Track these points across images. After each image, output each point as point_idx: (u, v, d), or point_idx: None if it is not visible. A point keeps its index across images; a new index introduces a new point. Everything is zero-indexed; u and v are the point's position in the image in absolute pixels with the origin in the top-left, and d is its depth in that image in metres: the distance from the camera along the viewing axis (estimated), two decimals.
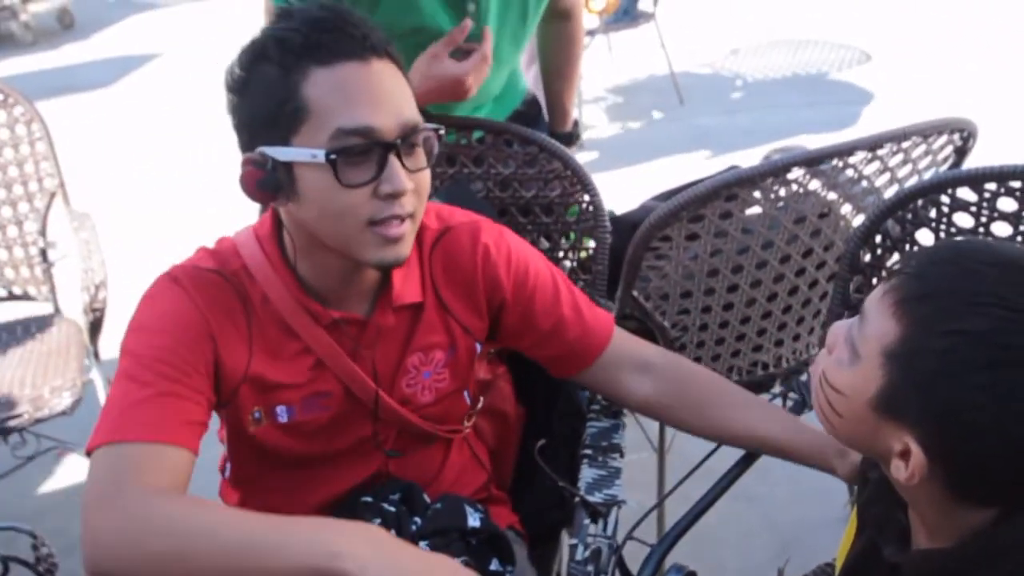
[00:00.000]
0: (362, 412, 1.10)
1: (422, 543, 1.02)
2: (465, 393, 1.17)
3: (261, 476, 1.13)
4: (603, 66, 4.80)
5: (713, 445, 1.19)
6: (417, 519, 1.05)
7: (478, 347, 1.15)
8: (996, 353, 0.65)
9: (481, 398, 1.25)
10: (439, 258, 1.11)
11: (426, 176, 0.99)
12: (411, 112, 0.96)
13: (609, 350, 1.17)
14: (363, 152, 0.93)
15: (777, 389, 1.58)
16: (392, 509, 1.03)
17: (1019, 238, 1.15)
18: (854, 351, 0.74)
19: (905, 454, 0.71)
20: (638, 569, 1.09)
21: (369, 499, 1.05)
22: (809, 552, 1.31)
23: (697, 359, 1.61)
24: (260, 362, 1.03)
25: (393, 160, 0.94)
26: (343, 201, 0.94)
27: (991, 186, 1.15)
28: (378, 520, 1.02)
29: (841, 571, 0.94)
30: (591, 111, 4.50)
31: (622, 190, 2.61)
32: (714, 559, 1.94)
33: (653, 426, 1.85)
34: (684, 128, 4.25)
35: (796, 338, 1.64)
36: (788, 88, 4.64)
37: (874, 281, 1.23)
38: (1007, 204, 1.14)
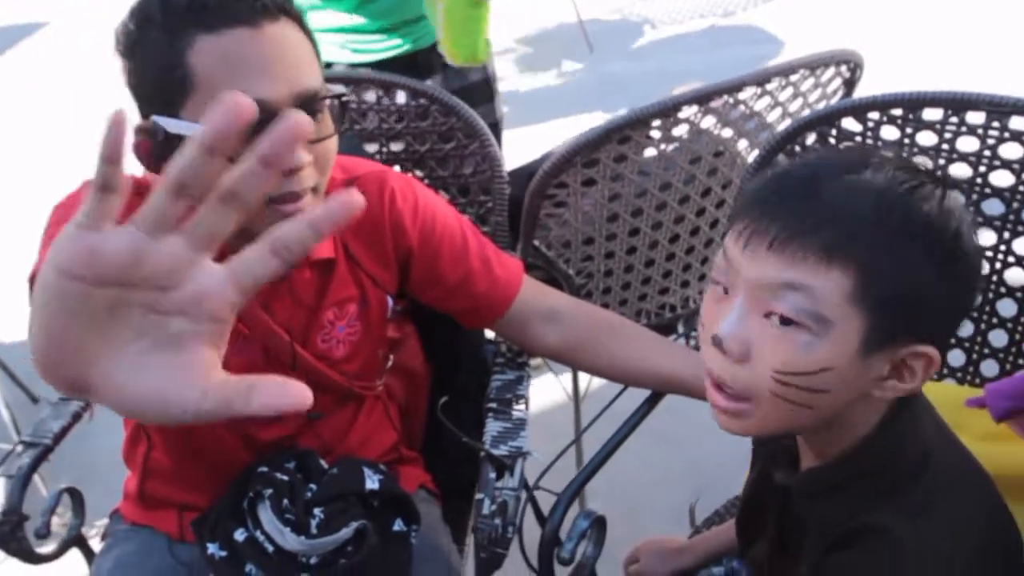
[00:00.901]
0: (279, 368, 1.07)
1: (316, 510, 1.00)
2: (382, 347, 1.16)
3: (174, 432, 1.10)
4: (511, 17, 4.74)
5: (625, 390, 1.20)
6: (312, 486, 1.03)
7: (389, 300, 1.13)
8: (931, 235, 0.67)
9: (391, 356, 1.23)
10: None
11: (330, 145, 0.95)
12: (310, 78, 0.91)
13: (518, 301, 1.16)
14: (257, 125, 0.88)
15: (682, 330, 1.59)
16: (285, 478, 1.01)
17: None
18: (818, 321, 0.67)
19: (901, 367, 0.70)
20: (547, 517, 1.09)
21: (264, 469, 1.03)
22: (726, 491, 1.33)
23: (605, 305, 1.61)
24: None
25: None
26: None
27: (874, 115, 1.16)
28: (270, 490, 0.99)
29: (740, 502, 0.96)
30: (500, 63, 4.44)
31: (535, 142, 2.59)
32: (634, 502, 1.96)
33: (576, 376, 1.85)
34: (595, 76, 4.23)
35: (702, 278, 1.66)
36: (697, 31, 4.65)
37: None
38: (890, 132, 1.15)
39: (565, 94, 4.05)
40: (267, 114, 0.87)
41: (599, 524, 1.11)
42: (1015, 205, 1.09)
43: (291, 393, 0.45)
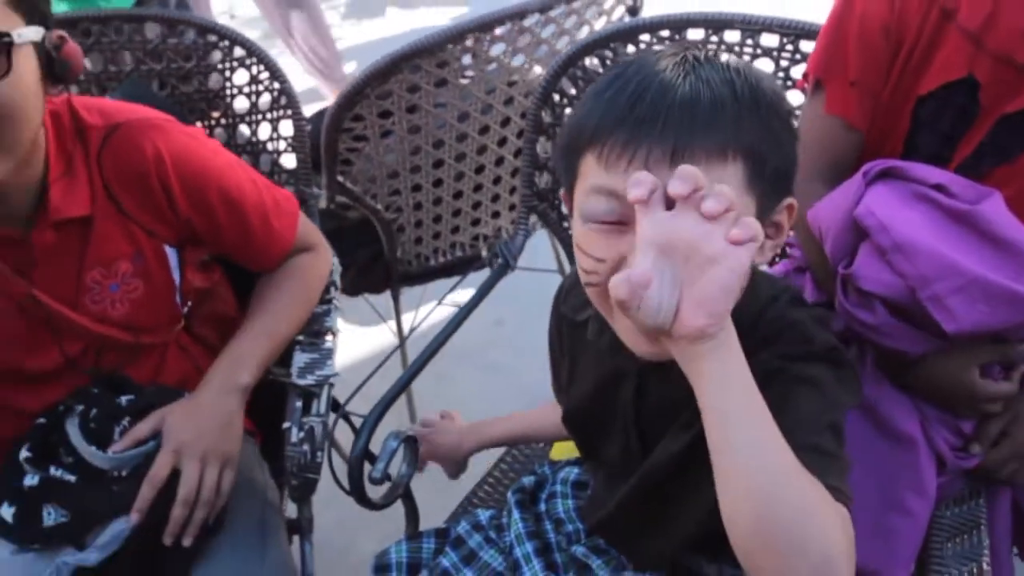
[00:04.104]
0: (44, 331, 1.04)
1: (125, 420, 1.00)
2: (176, 298, 1.13)
3: None
4: None
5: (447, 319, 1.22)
6: (125, 398, 1.03)
7: (169, 250, 1.10)
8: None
9: (189, 303, 1.20)
10: (109, 160, 1.03)
11: (3, 92, 0.86)
12: None
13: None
14: None
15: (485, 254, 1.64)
16: (95, 391, 1.02)
17: None
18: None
19: (774, 227, 0.74)
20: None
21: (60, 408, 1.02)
22: None
23: (418, 239, 1.65)
24: None
25: None
26: None
27: (645, 37, 1.23)
28: (81, 406, 1.00)
29: (576, 413, 0.96)
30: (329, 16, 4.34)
31: None
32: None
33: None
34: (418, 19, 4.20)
35: (512, 207, 1.71)
36: None
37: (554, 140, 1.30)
38: None
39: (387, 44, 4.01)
40: None
41: (410, 443, 1.14)
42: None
43: None
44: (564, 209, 1.30)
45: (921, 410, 0.91)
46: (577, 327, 0.91)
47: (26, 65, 0.89)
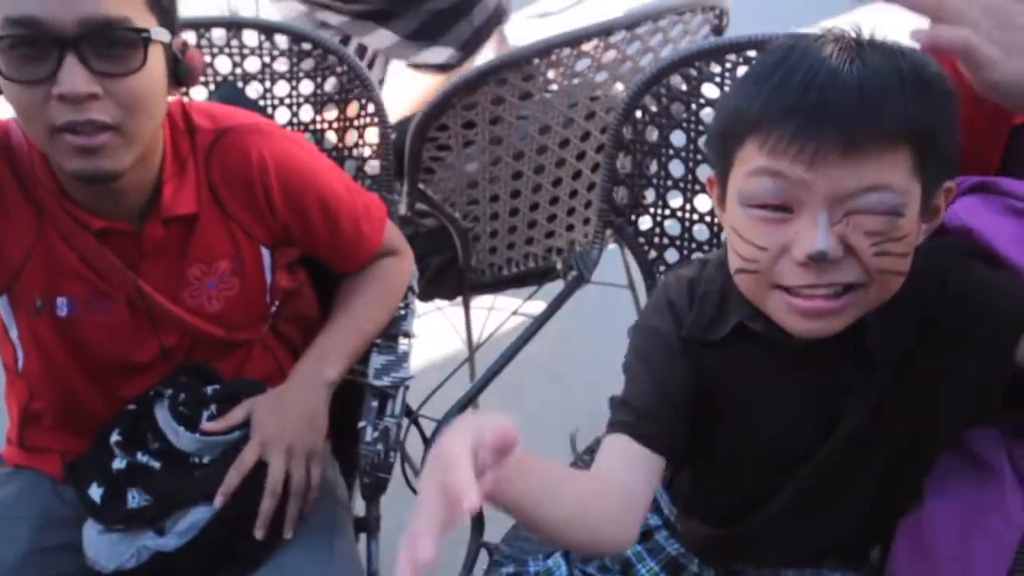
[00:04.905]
0: (146, 322, 1.08)
1: (213, 406, 1.04)
2: (267, 297, 1.17)
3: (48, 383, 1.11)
4: None
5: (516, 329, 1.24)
6: (211, 387, 1.07)
7: (264, 251, 1.14)
8: None
9: (276, 303, 1.24)
10: (216, 162, 1.08)
11: (134, 84, 0.91)
12: (102, 5, 0.87)
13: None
14: (30, 45, 0.87)
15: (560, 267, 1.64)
16: (185, 379, 1.06)
17: None
18: (898, 209, 0.71)
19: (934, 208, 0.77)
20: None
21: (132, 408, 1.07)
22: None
23: (493, 249, 1.67)
24: (48, 243, 1.01)
25: (70, 59, 0.87)
26: (19, 99, 0.89)
27: (732, 57, 1.23)
28: (170, 390, 1.04)
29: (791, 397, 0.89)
30: None
31: None
32: (534, 436, 2.03)
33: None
34: None
35: (586, 222, 1.72)
36: None
37: (637, 157, 1.30)
38: None
39: None
40: (45, 36, 0.85)
41: None
42: None
43: None
44: (641, 225, 1.31)
45: (1008, 439, 0.89)
46: (706, 347, 0.86)
47: (156, 63, 0.95)
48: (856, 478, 0.85)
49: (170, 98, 1.02)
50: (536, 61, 1.30)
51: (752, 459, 0.88)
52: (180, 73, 0.99)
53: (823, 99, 0.69)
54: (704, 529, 0.95)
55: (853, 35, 0.73)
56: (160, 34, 0.94)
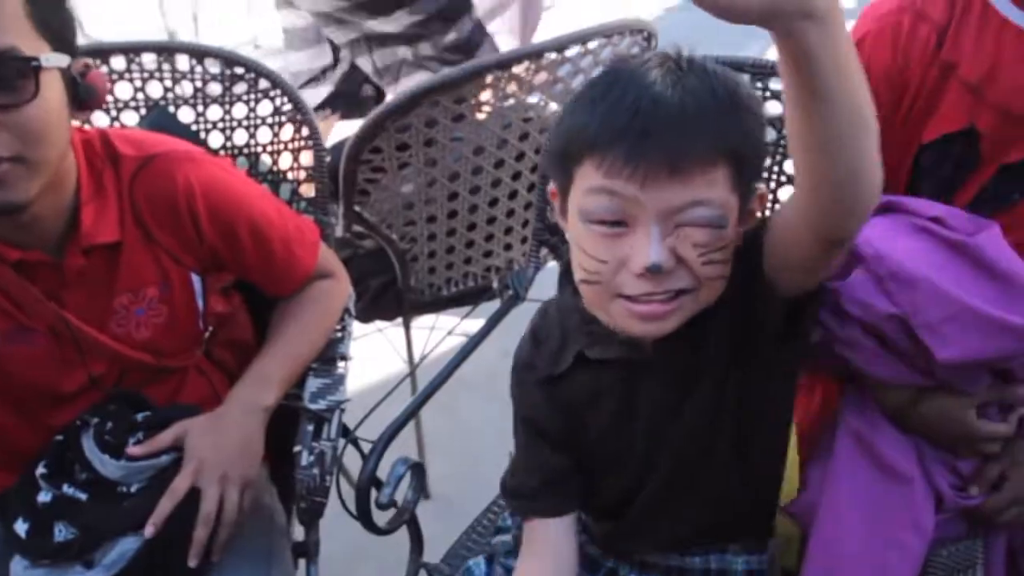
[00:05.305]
0: (72, 351, 1.07)
1: (139, 433, 1.03)
2: (199, 323, 1.16)
3: None
4: None
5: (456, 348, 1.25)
6: (141, 414, 1.06)
7: (195, 278, 1.13)
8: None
9: (210, 328, 1.23)
10: (141, 190, 1.07)
11: (29, 114, 0.89)
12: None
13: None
14: None
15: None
16: (112, 407, 1.04)
17: None
18: (720, 220, 0.77)
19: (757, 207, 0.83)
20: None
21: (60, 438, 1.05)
22: None
23: (431, 269, 1.67)
24: None
25: None
26: None
27: None
28: (96, 419, 1.03)
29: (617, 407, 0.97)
30: None
31: None
32: (473, 453, 2.03)
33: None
34: None
35: (524, 240, 1.73)
36: None
37: None
38: None
39: None
40: None
41: (417, 470, 1.16)
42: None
43: None
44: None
45: (919, 447, 0.92)
46: (558, 380, 0.95)
47: (52, 90, 0.92)
48: (711, 460, 0.91)
49: (75, 123, 1.01)
50: (467, 85, 1.32)
51: (617, 464, 0.95)
52: (82, 96, 0.97)
53: (649, 124, 0.75)
54: (598, 526, 1.01)
55: (677, 60, 0.79)
56: (54, 60, 0.92)
